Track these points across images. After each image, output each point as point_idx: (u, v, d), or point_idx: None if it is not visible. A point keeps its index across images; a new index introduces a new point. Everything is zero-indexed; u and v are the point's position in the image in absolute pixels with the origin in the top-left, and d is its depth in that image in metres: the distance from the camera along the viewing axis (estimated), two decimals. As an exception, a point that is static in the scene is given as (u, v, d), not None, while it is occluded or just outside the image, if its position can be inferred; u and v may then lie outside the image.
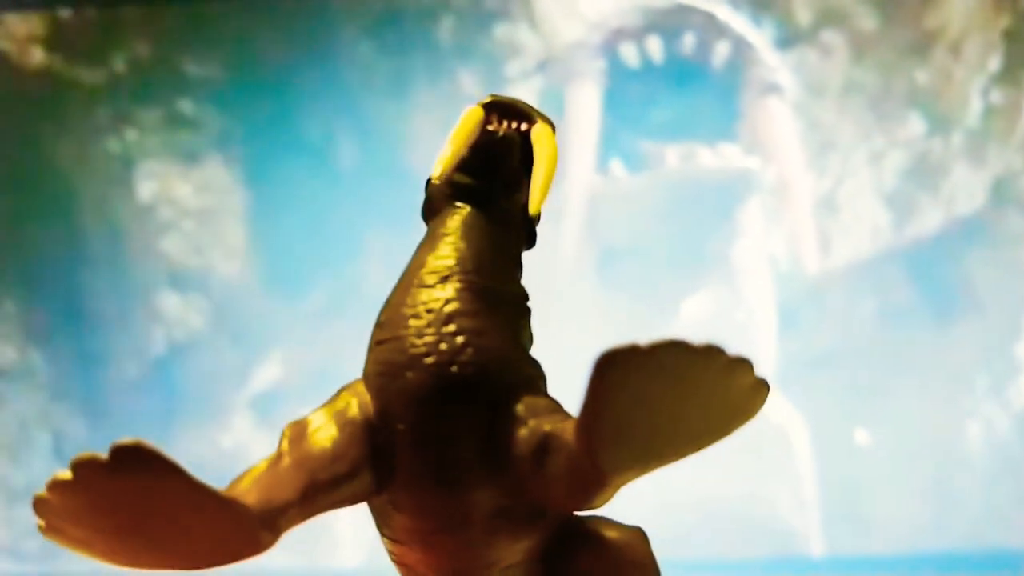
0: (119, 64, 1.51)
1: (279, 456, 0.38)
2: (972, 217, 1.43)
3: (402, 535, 0.40)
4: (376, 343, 0.39)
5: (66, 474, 0.33)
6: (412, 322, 0.38)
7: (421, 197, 0.42)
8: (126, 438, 0.33)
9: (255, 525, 0.36)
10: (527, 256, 0.42)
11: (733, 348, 0.32)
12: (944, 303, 1.42)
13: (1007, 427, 1.40)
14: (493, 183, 0.41)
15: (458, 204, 0.41)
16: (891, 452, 1.40)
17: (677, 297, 1.43)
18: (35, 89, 1.52)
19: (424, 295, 0.38)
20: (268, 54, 1.49)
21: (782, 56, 1.45)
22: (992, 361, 1.41)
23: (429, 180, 0.41)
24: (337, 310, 1.45)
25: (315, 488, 0.38)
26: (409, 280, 0.39)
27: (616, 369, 0.32)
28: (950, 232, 1.43)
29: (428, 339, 0.38)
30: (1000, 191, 1.43)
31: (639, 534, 0.41)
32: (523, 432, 0.37)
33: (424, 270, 0.39)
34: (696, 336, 0.32)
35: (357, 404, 0.39)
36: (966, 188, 1.43)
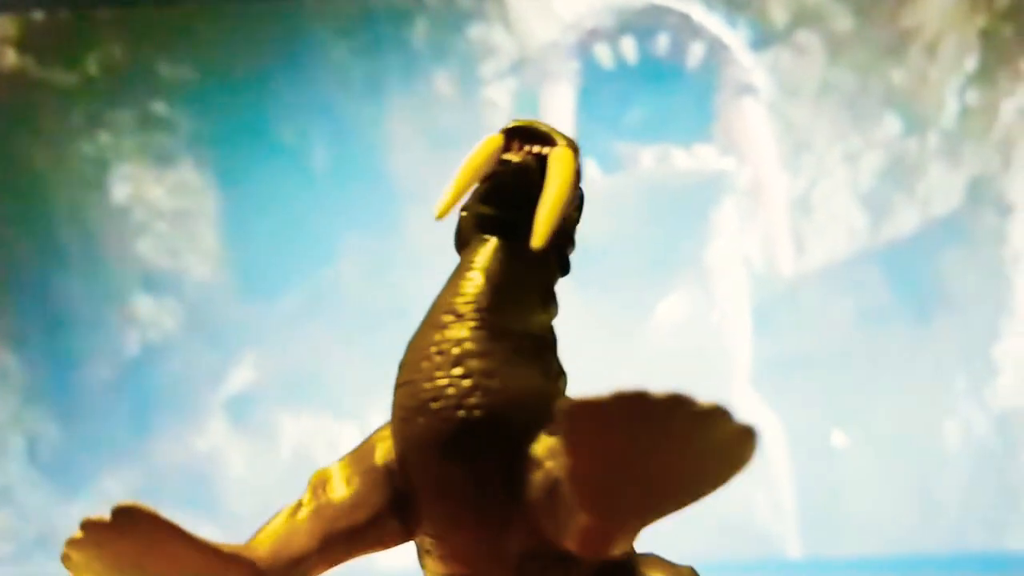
0: (92, 66, 1.50)
1: (298, 506, 0.38)
2: (948, 217, 1.42)
3: None
4: (397, 385, 0.38)
5: (78, 533, 0.36)
6: (424, 364, 0.37)
7: (448, 227, 0.40)
8: (125, 501, 0.35)
9: None
10: None
11: (705, 396, 0.29)
12: (921, 304, 1.41)
13: (985, 428, 1.40)
14: (518, 213, 0.38)
15: (485, 236, 0.39)
16: (869, 454, 1.40)
17: (652, 298, 1.43)
18: (7, 91, 1.52)
19: (438, 336, 0.37)
20: (241, 56, 1.48)
21: (757, 57, 1.45)
22: (970, 361, 1.40)
23: (462, 210, 0.40)
24: (312, 312, 1.44)
25: (334, 536, 0.37)
26: (429, 319, 0.38)
27: (581, 422, 0.30)
28: (926, 232, 1.42)
29: (438, 383, 0.36)
30: (976, 191, 1.43)
31: (690, 574, 0.40)
32: (539, 475, 0.36)
33: (442, 309, 0.38)
34: (663, 376, 0.31)
35: (381, 449, 0.38)
36: (942, 188, 1.43)
